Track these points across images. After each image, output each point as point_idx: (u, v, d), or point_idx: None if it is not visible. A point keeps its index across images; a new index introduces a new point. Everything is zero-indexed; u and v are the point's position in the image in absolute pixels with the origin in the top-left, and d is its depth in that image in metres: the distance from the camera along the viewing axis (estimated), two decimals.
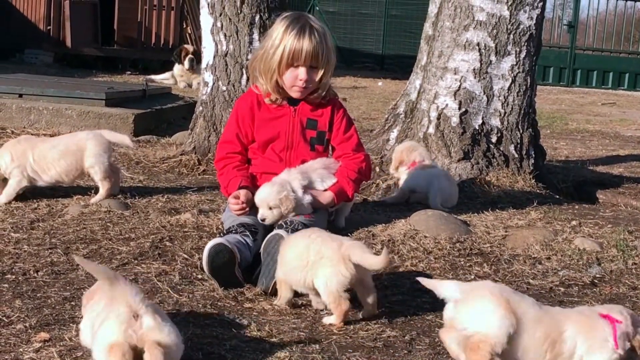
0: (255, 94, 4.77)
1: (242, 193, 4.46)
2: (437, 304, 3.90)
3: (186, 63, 15.15)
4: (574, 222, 5.29)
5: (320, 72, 4.63)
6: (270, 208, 4.40)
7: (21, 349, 3.17)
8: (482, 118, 6.38)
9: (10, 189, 5.26)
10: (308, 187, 4.57)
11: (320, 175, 4.63)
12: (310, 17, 4.66)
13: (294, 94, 4.66)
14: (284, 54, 4.53)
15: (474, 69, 6.36)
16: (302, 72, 4.57)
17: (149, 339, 2.81)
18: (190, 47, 15.73)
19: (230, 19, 6.82)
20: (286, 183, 4.48)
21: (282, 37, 4.54)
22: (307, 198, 4.53)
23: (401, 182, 5.75)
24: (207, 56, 6.98)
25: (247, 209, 4.46)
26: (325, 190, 4.63)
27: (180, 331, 3.33)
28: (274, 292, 3.87)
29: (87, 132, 5.62)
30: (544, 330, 3.02)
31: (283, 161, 4.68)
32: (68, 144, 5.41)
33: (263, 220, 4.41)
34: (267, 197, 4.41)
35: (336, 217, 4.86)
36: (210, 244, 4.05)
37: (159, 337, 2.83)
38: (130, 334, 2.80)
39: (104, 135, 5.49)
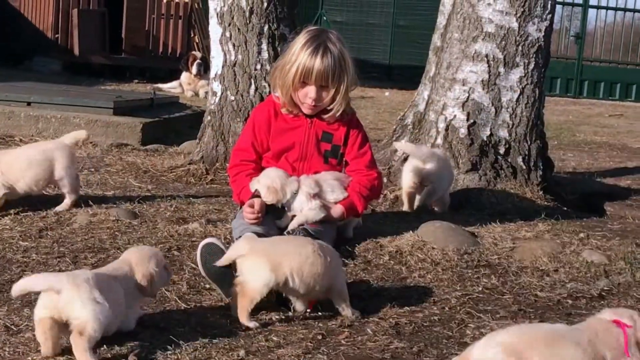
0: (273, 102, 4.82)
1: (257, 202, 4.48)
2: (445, 315, 3.91)
3: (194, 69, 15.16)
4: (581, 235, 5.28)
5: (331, 92, 4.66)
6: (259, 182, 4.57)
7: (30, 358, 3.18)
8: (490, 129, 6.37)
9: None
10: (318, 196, 4.61)
11: (331, 186, 4.66)
12: (331, 36, 4.66)
13: (305, 110, 4.72)
14: (297, 71, 4.58)
15: (482, 81, 6.36)
16: (311, 90, 4.62)
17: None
18: (198, 54, 15.75)
19: (239, 29, 6.83)
20: (291, 182, 4.56)
21: (298, 54, 4.59)
22: (315, 203, 4.57)
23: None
24: (216, 66, 6.99)
25: (261, 218, 4.48)
26: (336, 203, 4.66)
27: (188, 341, 3.35)
28: (282, 302, 3.88)
29: (53, 142, 5.61)
30: None
31: (296, 171, 4.72)
32: (34, 154, 5.39)
33: (252, 180, 4.62)
34: (267, 176, 4.58)
35: (344, 227, 4.87)
36: (202, 243, 4.04)
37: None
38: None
39: (67, 144, 5.48)
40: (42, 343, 3.18)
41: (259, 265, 3.64)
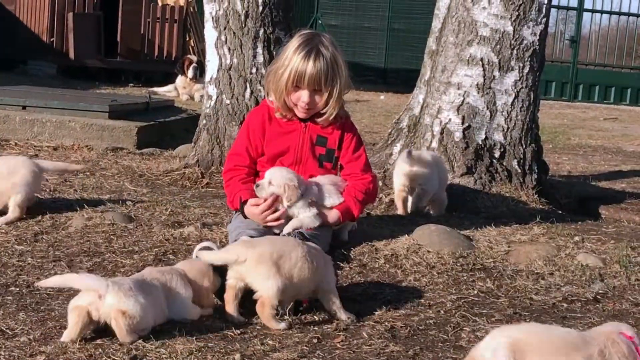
0: (267, 107, 4.82)
1: (269, 199, 4.49)
2: (440, 319, 3.92)
3: (190, 72, 15.18)
4: (576, 238, 5.29)
5: (325, 95, 4.66)
6: (271, 183, 4.49)
7: None
8: (485, 133, 6.38)
9: None
10: (316, 203, 4.60)
11: (328, 191, 4.67)
12: (324, 40, 4.66)
13: (299, 114, 4.73)
14: (290, 75, 4.59)
15: (477, 84, 6.37)
16: (304, 94, 4.62)
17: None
18: (193, 57, 15.78)
19: (234, 33, 6.84)
20: (305, 183, 4.55)
21: (290, 58, 4.60)
22: (313, 211, 4.57)
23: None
24: (211, 69, 7.00)
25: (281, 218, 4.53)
26: (332, 208, 4.66)
27: (183, 345, 3.35)
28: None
29: (22, 157, 5.54)
30: None
31: None
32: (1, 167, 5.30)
33: (257, 186, 4.52)
34: (279, 175, 4.51)
35: (340, 231, 4.87)
36: (198, 247, 4.06)
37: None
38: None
39: (40, 164, 5.41)
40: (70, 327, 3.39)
41: (267, 274, 3.65)
